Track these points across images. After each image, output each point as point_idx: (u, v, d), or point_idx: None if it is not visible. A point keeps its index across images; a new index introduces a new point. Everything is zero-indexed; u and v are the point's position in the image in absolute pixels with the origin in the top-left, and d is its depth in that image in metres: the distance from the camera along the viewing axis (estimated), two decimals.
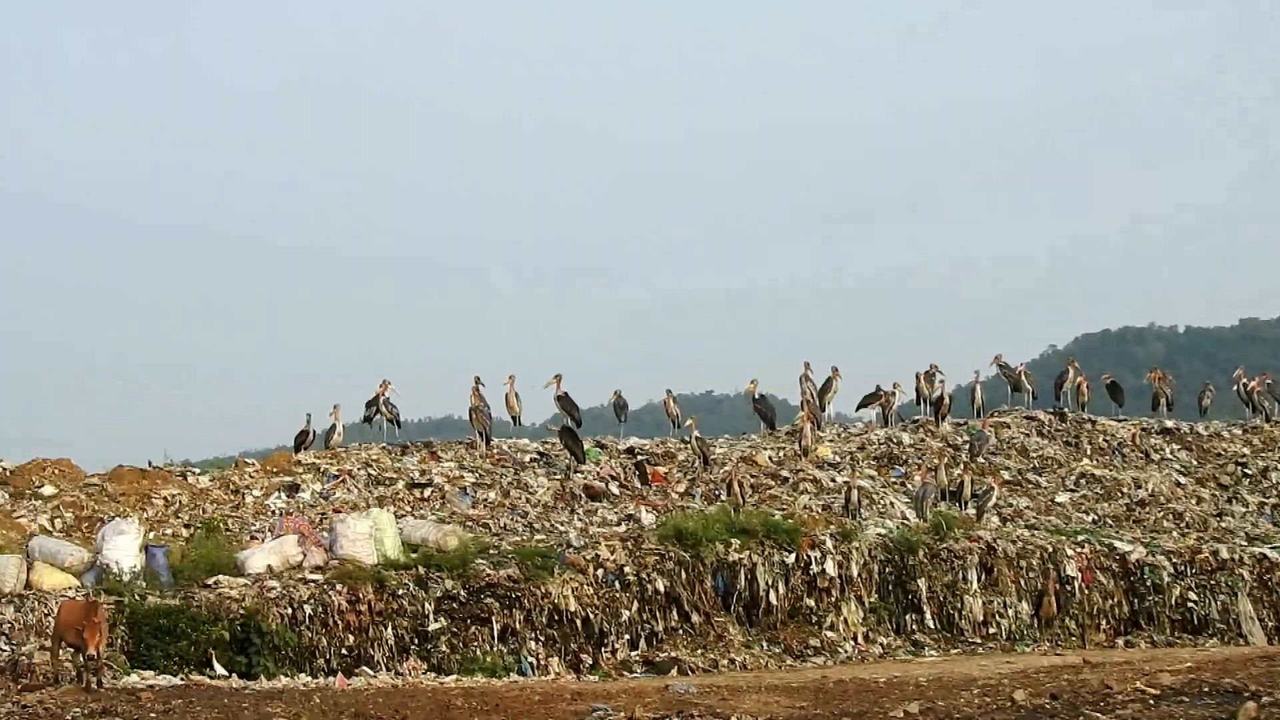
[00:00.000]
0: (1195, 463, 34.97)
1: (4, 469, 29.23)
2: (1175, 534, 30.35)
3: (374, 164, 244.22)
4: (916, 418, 35.95)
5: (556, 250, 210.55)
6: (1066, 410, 36.84)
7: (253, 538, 25.59)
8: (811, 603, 25.95)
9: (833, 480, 30.45)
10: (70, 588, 22.15)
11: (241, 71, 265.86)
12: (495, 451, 31.90)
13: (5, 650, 19.56)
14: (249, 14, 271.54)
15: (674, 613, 25.11)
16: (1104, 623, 27.67)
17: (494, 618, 23.65)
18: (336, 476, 29.78)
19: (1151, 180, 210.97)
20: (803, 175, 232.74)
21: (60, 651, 18.43)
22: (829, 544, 26.31)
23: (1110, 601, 27.82)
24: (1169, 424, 36.97)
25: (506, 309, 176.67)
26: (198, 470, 31.00)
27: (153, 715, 15.95)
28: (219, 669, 20.76)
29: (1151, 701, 16.44)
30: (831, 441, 33.59)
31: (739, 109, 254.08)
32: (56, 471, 29.21)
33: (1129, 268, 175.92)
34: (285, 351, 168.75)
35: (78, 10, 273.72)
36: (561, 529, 27.10)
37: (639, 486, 30.21)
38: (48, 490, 28.19)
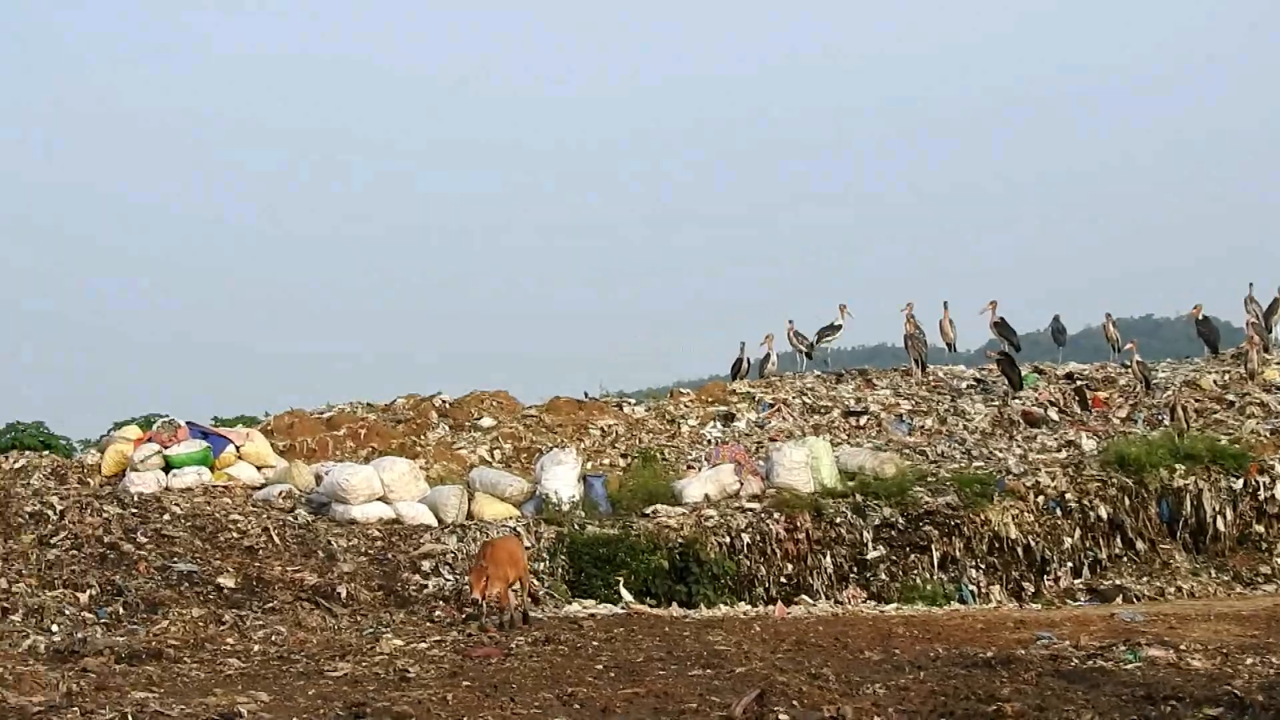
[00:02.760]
0: None
1: (444, 402, 30.41)
2: None
3: None
4: None
5: None
6: None
7: (689, 467, 26.10)
8: (1261, 529, 25.03)
9: None
10: (510, 518, 22.75)
11: None
12: (931, 378, 31.98)
13: (449, 579, 20.06)
14: None
15: (1117, 540, 24.60)
16: None
17: (933, 545, 23.57)
18: (772, 405, 30.19)
19: None
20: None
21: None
22: (1278, 469, 25.50)
23: None
24: None
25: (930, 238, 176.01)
26: (633, 401, 31.87)
27: (595, 643, 16.08)
28: (626, 595, 20.96)
29: None
30: (1279, 364, 32.46)
31: None
32: (495, 404, 30.33)
33: None
34: (714, 286, 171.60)
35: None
36: (1000, 455, 26.82)
37: (1079, 412, 29.80)
38: (486, 422, 29.31)
